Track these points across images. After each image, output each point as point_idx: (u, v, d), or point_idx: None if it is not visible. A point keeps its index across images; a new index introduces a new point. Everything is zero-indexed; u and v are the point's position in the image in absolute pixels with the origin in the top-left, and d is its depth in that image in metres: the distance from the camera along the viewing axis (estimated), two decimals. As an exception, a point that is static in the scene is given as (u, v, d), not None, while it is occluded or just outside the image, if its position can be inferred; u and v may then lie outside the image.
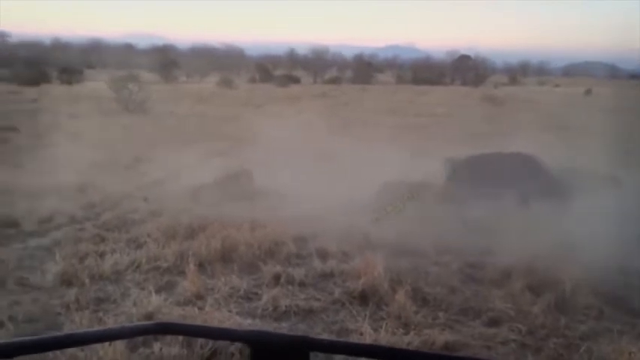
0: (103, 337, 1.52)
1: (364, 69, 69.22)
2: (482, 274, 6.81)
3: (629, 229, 7.82)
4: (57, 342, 1.35)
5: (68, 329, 5.10)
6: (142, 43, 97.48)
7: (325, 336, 5.20)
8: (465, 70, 70.21)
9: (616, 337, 5.07)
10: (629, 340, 4.95)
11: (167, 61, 57.32)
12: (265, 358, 1.34)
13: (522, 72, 79.68)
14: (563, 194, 9.23)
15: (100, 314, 5.42)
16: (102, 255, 7.06)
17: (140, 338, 4.68)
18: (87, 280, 6.26)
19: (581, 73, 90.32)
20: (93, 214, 9.14)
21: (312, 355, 1.31)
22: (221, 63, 71.46)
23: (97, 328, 4.75)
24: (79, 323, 5.13)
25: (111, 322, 5.21)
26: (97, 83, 33.12)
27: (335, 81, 62.79)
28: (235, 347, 4.61)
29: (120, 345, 4.50)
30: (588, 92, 42.38)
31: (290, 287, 6.26)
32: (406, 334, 5.17)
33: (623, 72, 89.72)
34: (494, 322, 5.56)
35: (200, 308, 5.56)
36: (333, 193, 9.90)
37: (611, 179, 10.47)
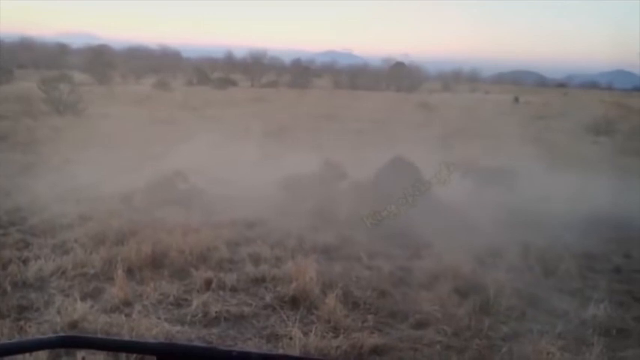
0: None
1: (302, 73, 69.33)
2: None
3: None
4: None
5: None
6: (76, 43, 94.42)
7: (255, 344, 5.19)
8: (399, 77, 71.32)
9: (536, 337, 5.25)
10: (549, 341, 5.12)
11: (101, 61, 55.58)
12: None
13: (455, 79, 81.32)
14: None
15: (22, 323, 5.23)
16: (25, 261, 6.82)
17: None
18: (9, 288, 6.05)
19: (510, 81, 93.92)
20: (18, 218, 8.82)
21: None
22: (157, 65, 70.12)
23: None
24: (-1, 332, 4.96)
25: (33, 331, 5.05)
26: (27, 83, 32.01)
27: (273, 85, 62.84)
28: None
29: (42, 355, 4.37)
30: (516, 100, 44.81)
31: (221, 293, 6.22)
32: (335, 337, 5.23)
33: (551, 81, 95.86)
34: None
35: (127, 315, 5.46)
36: (265, 197, 9.93)
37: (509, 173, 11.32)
